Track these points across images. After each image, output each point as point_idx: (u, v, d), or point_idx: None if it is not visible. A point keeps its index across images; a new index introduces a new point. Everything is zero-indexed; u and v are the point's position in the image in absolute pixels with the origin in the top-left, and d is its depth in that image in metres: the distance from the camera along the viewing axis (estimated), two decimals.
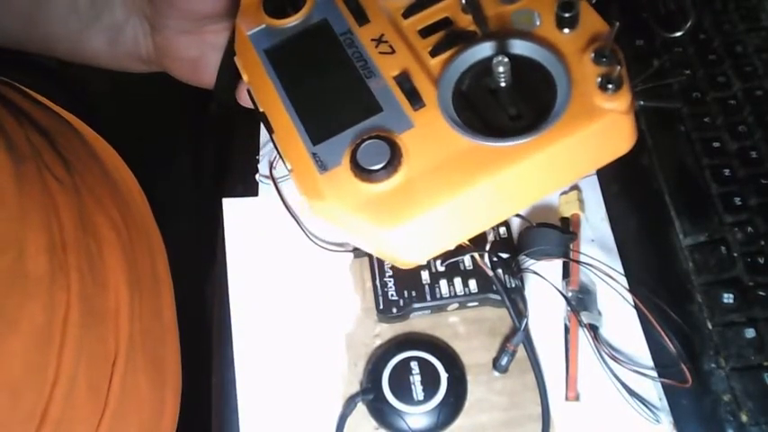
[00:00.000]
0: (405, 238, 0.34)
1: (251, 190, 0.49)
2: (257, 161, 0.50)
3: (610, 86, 0.33)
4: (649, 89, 0.48)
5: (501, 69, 0.33)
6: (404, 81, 0.37)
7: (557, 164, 0.34)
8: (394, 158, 0.34)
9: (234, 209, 0.49)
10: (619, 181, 0.48)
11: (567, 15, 0.35)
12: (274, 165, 0.48)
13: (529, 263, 0.45)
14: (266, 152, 0.49)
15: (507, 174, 0.33)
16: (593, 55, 0.34)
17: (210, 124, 0.47)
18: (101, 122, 0.51)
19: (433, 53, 0.37)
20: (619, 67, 0.33)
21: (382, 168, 0.34)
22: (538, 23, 0.36)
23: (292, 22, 0.41)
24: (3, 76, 0.47)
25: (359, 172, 0.34)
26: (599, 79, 0.33)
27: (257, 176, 0.50)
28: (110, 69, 0.49)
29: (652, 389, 0.42)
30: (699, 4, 0.52)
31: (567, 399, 0.42)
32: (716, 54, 0.50)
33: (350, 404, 0.42)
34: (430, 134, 0.35)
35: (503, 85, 0.34)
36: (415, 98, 0.36)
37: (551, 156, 0.33)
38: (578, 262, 0.45)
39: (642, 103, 0.35)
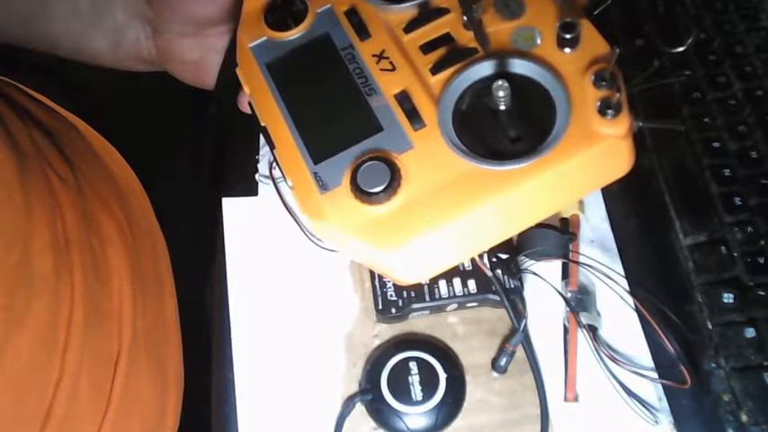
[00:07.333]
0: (404, 259, 0.34)
1: (251, 190, 0.49)
2: (257, 161, 0.50)
3: (609, 111, 0.33)
4: (649, 89, 0.48)
5: (501, 94, 0.34)
6: (404, 100, 0.37)
7: (555, 187, 0.34)
8: (393, 180, 0.34)
9: (234, 209, 0.49)
10: (619, 181, 0.48)
11: (567, 36, 0.35)
12: (274, 165, 0.48)
13: (528, 263, 0.45)
14: (266, 152, 0.50)
15: (506, 197, 0.34)
16: (593, 77, 0.34)
17: (210, 124, 0.48)
18: (101, 122, 0.51)
19: (434, 71, 0.37)
20: (618, 94, 0.33)
21: (382, 191, 0.34)
22: (539, 42, 0.36)
23: (294, 35, 0.41)
24: (5, 77, 0.48)
25: (359, 194, 0.35)
26: (598, 103, 0.33)
27: (257, 176, 0.50)
28: (111, 69, 0.49)
29: (651, 389, 0.42)
30: (699, 11, 0.51)
31: (565, 399, 0.42)
32: (716, 54, 0.50)
33: (348, 404, 0.42)
34: (430, 156, 0.35)
35: (502, 108, 0.34)
36: (415, 118, 0.36)
37: (549, 180, 0.33)
38: (577, 263, 0.45)
39: (641, 124, 0.35)
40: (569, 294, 0.44)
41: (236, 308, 0.46)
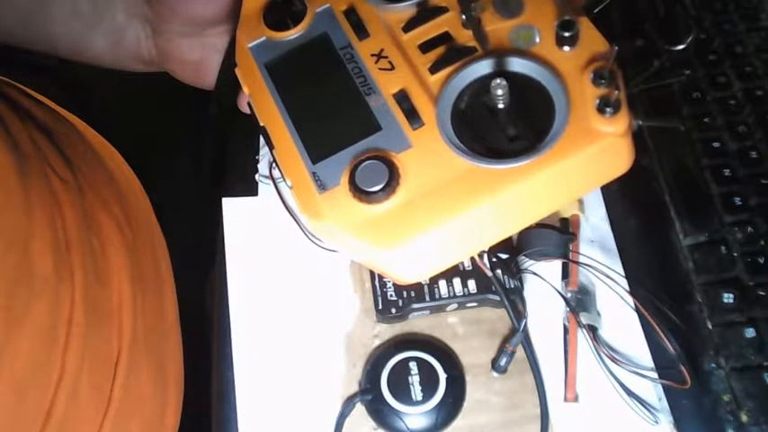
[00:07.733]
0: (403, 258, 0.34)
1: (251, 190, 0.49)
2: (257, 161, 0.50)
3: (608, 109, 0.33)
4: (649, 89, 0.48)
5: (499, 92, 0.34)
6: (403, 99, 0.37)
7: (554, 186, 0.34)
8: (392, 180, 0.35)
9: (234, 209, 0.49)
10: (619, 181, 0.48)
11: (566, 35, 0.35)
12: (274, 165, 0.48)
13: (528, 263, 0.45)
14: (266, 152, 0.49)
15: (504, 196, 0.34)
16: (592, 75, 0.34)
17: (210, 124, 0.48)
18: (101, 122, 0.51)
19: (433, 70, 0.37)
20: (617, 92, 0.33)
21: (380, 190, 0.34)
22: (538, 40, 0.36)
23: (293, 35, 0.41)
24: (5, 77, 0.48)
25: (357, 193, 0.35)
26: (597, 101, 0.33)
27: (257, 176, 0.50)
28: (111, 69, 0.49)
29: (651, 389, 0.42)
30: (699, 9, 0.51)
31: (565, 399, 0.42)
32: (716, 54, 0.50)
33: (348, 404, 0.42)
34: (428, 155, 0.35)
35: (501, 106, 0.34)
36: (413, 117, 0.36)
37: (548, 178, 0.33)
38: (577, 263, 0.45)
39: (641, 123, 0.35)
40: (569, 294, 0.44)
41: (236, 308, 0.46)
